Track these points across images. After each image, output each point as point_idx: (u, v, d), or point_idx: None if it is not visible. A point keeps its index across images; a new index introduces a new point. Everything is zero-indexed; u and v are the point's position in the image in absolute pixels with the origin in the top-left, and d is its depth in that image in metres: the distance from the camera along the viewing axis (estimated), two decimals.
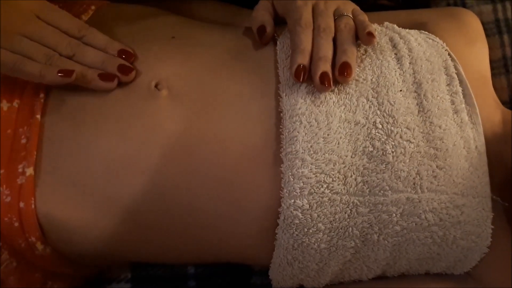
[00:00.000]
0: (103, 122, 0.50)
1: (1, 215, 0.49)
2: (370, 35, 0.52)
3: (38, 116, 0.52)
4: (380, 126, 0.50)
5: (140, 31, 0.57)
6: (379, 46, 0.55)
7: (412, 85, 0.53)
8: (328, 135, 0.49)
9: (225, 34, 0.58)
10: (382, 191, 0.49)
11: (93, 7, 0.61)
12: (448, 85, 0.54)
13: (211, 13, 0.68)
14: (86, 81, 0.51)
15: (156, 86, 0.52)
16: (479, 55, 0.62)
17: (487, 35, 0.66)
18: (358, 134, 0.50)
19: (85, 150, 0.50)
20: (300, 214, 0.48)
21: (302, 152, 0.48)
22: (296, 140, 0.49)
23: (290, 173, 0.48)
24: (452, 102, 0.53)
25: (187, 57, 0.54)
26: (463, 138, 0.52)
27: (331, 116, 0.50)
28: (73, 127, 0.51)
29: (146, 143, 0.50)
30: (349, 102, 0.51)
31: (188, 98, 0.51)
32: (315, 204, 0.48)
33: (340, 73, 0.51)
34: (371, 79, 0.52)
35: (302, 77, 0.50)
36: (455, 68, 0.55)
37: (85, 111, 0.51)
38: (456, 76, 0.55)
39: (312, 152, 0.49)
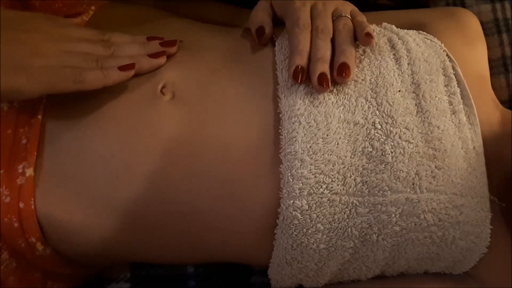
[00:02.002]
0: (105, 123, 0.50)
1: (0, 216, 0.49)
2: (369, 35, 0.52)
3: (40, 117, 0.52)
4: (379, 127, 0.50)
5: (146, 33, 0.57)
6: (377, 46, 0.55)
7: (410, 85, 0.53)
8: (327, 135, 0.49)
9: (225, 35, 0.58)
10: (381, 192, 0.49)
11: (93, 7, 0.61)
12: (446, 85, 0.54)
13: (211, 13, 0.68)
14: (142, 68, 0.52)
15: (161, 89, 0.52)
16: (477, 55, 0.62)
17: (486, 35, 0.66)
18: (357, 135, 0.50)
19: (86, 151, 0.50)
20: (299, 215, 0.48)
21: (301, 153, 0.48)
22: (295, 141, 0.49)
23: (289, 174, 0.48)
24: (450, 103, 0.54)
25: (191, 60, 0.54)
26: (461, 139, 0.52)
27: (330, 117, 0.50)
28: (74, 128, 0.51)
29: (147, 146, 0.50)
30: (348, 102, 0.51)
31: (190, 101, 0.51)
32: (314, 205, 0.48)
33: (339, 74, 0.51)
34: (370, 80, 0.52)
35: (300, 78, 0.50)
36: (453, 68, 0.55)
37: (86, 112, 0.51)
38: (454, 77, 0.55)
39: (311, 152, 0.49)
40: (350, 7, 0.55)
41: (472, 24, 0.63)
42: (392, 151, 0.50)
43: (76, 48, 0.50)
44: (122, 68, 0.50)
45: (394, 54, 0.55)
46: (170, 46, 0.54)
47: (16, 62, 0.46)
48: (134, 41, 0.54)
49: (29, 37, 0.48)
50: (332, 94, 0.51)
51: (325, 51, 0.51)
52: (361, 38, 0.53)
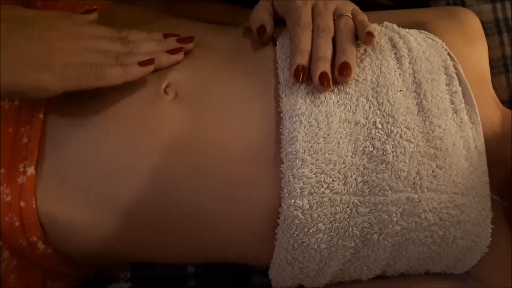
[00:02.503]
0: (106, 123, 0.50)
1: (1, 214, 0.50)
2: (370, 34, 0.52)
3: (41, 115, 0.52)
4: (380, 126, 0.50)
5: None
6: (378, 46, 0.55)
7: (411, 84, 0.53)
8: (328, 135, 0.49)
9: (226, 35, 0.58)
10: (382, 191, 0.49)
11: (95, 8, 0.61)
12: (447, 84, 0.54)
13: (212, 13, 0.68)
14: (161, 64, 0.52)
15: (165, 89, 0.52)
16: (478, 54, 0.62)
17: (487, 34, 0.66)
18: (358, 134, 0.50)
19: (87, 150, 0.50)
20: (300, 214, 0.48)
21: (302, 152, 0.48)
22: (296, 140, 0.49)
23: (290, 173, 0.48)
24: (452, 102, 0.53)
25: (194, 60, 0.54)
26: (462, 138, 0.52)
27: (331, 116, 0.50)
28: (75, 127, 0.51)
29: (148, 145, 0.50)
30: (349, 102, 0.51)
31: (192, 101, 0.52)
32: (315, 204, 0.48)
33: (340, 73, 0.51)
34: (371, 79, 0.52)
35: (301, 77, 0.50)
36: (455, 67, 0.55)
37: (88, 111, 0.51)
38: (455, 76, 0.55)
39: (312, 152, 0.49)
40: (351, 6, 0.55)
41: (472, 23, 0.63)
42: (393, 150, 0.50)
43: (95, 45, 0.50)
44: (141, 63, 0.50)
45: (395, 53, 0.55)
46: (187, 43, 0.55)
47: (38, 60, 0.46)
48: (151, 38, 0.54)
49: (49, 35, 0.48)
50: (333, 94, 0.51)
51: (326, 50, 0.51)
52: (362, 37, 0.53)
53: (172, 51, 0.53)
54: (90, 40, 0.51)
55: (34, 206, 0.50)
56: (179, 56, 0.54)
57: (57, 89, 0.47)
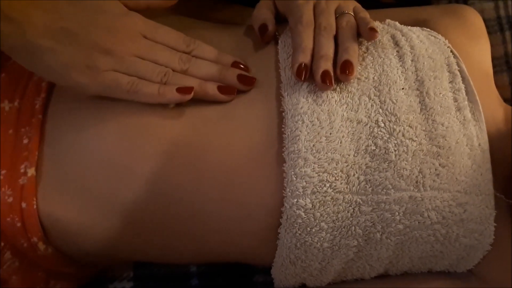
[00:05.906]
0: (105, 126, 0.50)
1: (3, 215, 0.50)
2: (373, 30, 0.52)
3: (40, 116, 0.52)
4: (382, 125, 0.50)
5: None
6: (380, 43, 0.55)
7: (414, 82, 0.53)
8: (330, 134, 0.49)
9: (228, 33, 0.58)
10: (384, 190, 0.49)
11: None
12: (450, 82, 0.54)
13: (215, 12, 0.68)
14: (205, 95, 0.50)
15: None
16: (481, 52, 0.61)
17: (489, 32, 0.66)
18: (361, 133, 0.50)
19: (87, 151, 0.50)
20: (303, 214, 0.48)
21: (304, 151, 0.48)
22: (298, 139, 0.49)
23: (292, 173, 0.48)
24: (455, 100, 0.53)
25: None
26: (465, 136, 0.52)
27: (333, 115, 0.50)
28: (75, 128, 0.51)
29: (148, 148, 0.50)
30: (351, 100, 0.51)
31: (193, 103, 0.51)
32: (318, 203, 0.48)
33: (342, 72, 0.50)
34: (373, 77, 0.52)
35: (303, 76, 0.50)
36: (458, 65, 0.55)
37: (87, 112, 0.51)
38: (458, 73, 0.54)
39: (314, 151, 0.48)
40: (353, 4, 0.55)
41: (475, 21, 0.63)
42: (396, 149, 0.49)
43: (150, 55, 0.50)
44: (180, 90, 0.49)
45: (397, 51, 0.54)
46: (245, 84, 0.52)
47: (86, 62, 0.47)
48: (217, 59, 0.53)
49: (107, 37, 0.48)
50: (335, 92, 0.51)
51: (328, 48, 0.51)
52: (365, 33, 0.52)
53: (223, 89, 0.51)
54: (148, 49, 0.50)
55: (35, 207, 0.50)
56: (227, 97, 0.51)
57: (93, 92, 0.49)
